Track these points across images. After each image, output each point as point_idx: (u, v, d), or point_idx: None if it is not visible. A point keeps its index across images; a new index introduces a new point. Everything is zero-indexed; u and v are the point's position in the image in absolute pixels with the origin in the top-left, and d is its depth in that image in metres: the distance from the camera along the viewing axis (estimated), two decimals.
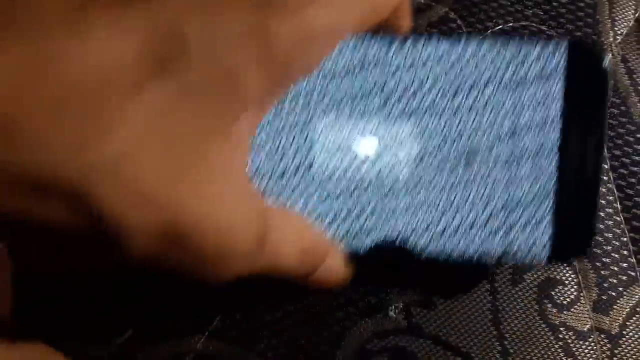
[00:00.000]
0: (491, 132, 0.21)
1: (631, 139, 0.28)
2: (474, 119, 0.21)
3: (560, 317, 0.26)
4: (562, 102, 0.21)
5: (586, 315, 0.26)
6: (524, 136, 0.21)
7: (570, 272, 0.26)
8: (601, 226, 0.27)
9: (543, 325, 0.26)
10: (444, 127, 0.22)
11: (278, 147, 0.22)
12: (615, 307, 0.26)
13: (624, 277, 0.26)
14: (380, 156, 0.22)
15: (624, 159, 0.28)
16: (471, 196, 0.22)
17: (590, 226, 0.22)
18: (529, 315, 0.26)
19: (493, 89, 0.21)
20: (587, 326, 0.26)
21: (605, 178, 0.27)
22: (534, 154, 0.21)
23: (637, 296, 0.26)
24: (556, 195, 0.21)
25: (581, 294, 0.26)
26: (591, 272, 0.26)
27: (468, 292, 0.26)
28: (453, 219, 0.22)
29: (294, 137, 0.22)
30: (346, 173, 0.22)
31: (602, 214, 0.27)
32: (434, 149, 0.22)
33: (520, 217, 0.22)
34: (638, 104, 0.28)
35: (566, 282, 0.26)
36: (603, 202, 0.27)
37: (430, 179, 0.22)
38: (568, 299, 0.26)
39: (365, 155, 0.22)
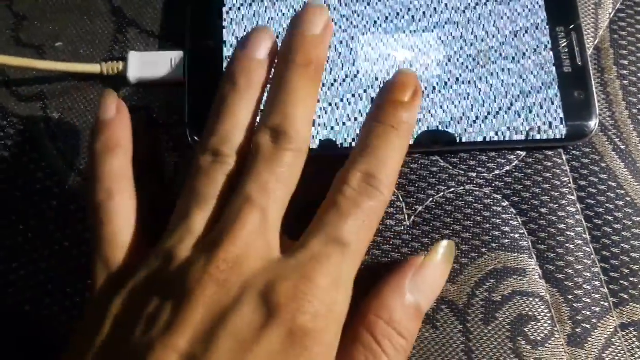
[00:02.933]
0: (498, 34, 0.28)
1: (596, 168, 0.28)
2: (483, 26, 0.28)
3: (535, 353, 0.26)
4: (544, 8, 0.29)
5: (561, 350, 0.26)
6: (523, 36, 0.28)
7: (543, 307, 0.26)
8: (571, 258, 0.27)
9: None
10: (462, 34, 0.28)
11: (328, 60, 0.27)
12: (590, 339, 0.26)
13: (597, 309, 0.26)
14: (415, 60, 0.28)
15: (590, 189, 0.28)
16: (493, 87, 0.28)
17: (592, 105, 0.27)
18: (504, 354, 0.26)
19: (493, 2, 0.29)
20: None
21: (573, 210, 0.27)
22: (533, 50, 0.28)
23: (611, 327, 0.26)
24: (559, 80, 0.27)
25: (555, 329, 0.26)
26: (564, 305, 0.26)
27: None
28: (482, 106, 0.27)
29: (340, 53, 0.28)
30: (388, 77, 0.27)
31: (571, 246, 0.27)
32: (456, 52, 0.28)
33: (535, 101, 0.27)
34: (602, 138, 0.28)
35: (539, 317, 0.26)
36: (572, 234, 0.27)
37: (458, 76, 0.28)
38: (542, 335, 0.26)
39: (403, 60, 0.28)
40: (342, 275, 0.20)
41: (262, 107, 0.23)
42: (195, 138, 0.27)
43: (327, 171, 0.23)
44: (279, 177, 0.21)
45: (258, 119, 0.23)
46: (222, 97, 0.23)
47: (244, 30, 0.29)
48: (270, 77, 0.23)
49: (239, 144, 0.22)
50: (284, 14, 0.29)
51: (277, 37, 0.29)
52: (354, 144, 0.27)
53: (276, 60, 0.23)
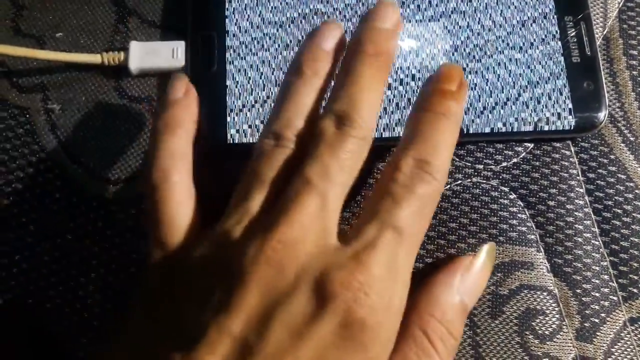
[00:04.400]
0: (505, 24, 0.28)
1: (605, 160, 0.27)
2: (491, 16, 0.28)
3: (543, 347, 0.25)
4: None
5: (569, 344, 0.26)
6: (531, 26, 0.28)
7: (551, 300, 0.26)
8: (579, 252, 0.26)
9: (526, 358, 0.25)
10: (469, 23, 0.28)
11: None
12: (598, 334, 0.26)
13: (606, 303, 0.26)
14: (421, 49, 0.28)
15: (599, 182, 0.27)
16: (501, 77, 0.27)
17: (601, 96, 0.27)
18: (511, 348, 0.25)
19: None
20: (571, 355, 0.25)
21: (581, 203, 0.27)
22: (541, 40, 0.27)
23: (620, 321, 0.26)
24: (568, 71, 0.27)
25: (563, 323, 0.26)
26: (572, 299, 0.26)
27: None
28: (490, 97, 0.27)
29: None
30: (394, 65, 0.27)
31: (579, 239, 0.26)
32: (463, 42, 0.28)
33: (544, 91, 0.27)
34: (612, 129, 0.28)
35: (547, 311, 0.26)
36: (580, 227, 0.27)
37: (465, 66, 0.27)
38: (550, 329, 0.26)
39: (409, 50, 0.28)
40: (398, 264, 0.20)
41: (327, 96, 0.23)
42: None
43: None
44: (341, 163, 0.21)
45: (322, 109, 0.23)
46: (288, 84, 0.23)
47: (246, 20, 0.28)
48: (337, 69, 0.23)
49: (302, 128, 0.22)
50: (287, 3, 0.28)
51: (281, 25, 0.28)
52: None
53: (345, 52, 0.23)
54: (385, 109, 0.27)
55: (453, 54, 0.28)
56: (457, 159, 0.27)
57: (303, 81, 0.22)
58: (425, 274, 0.24)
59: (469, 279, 0.23)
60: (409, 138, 0.22)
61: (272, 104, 0.25)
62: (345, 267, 0.19)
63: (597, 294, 0.26)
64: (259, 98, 0.27)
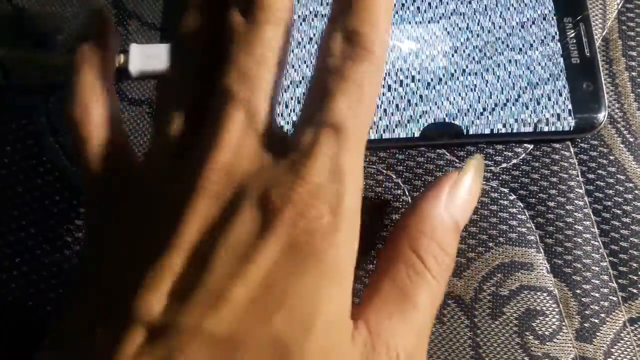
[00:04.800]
0: (505, 25, 0.28)
1: (604, 161, 0.27)
2: (490, 17, 0.28)
3: (543, 348, 0.25)
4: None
5: (569, 345, 0.26)
6: (530, 27, 0.28)
7: (550, 301, 0.26)
8: (579, 252, 0.26)
9: (526, 358, 0.25)
10: (468, 24, 0.28)
11: None
12: (598, 334, 0.26)
13: (606, 303, 0.26)
14: (421, 51, 0.28)
15: (598, 182, 0.27)
16: (500, 78, 0.27)
17: (600, 97, 0.27)
18: (511, 349, 0.25)
19: None
20: (571, 356, 0.26)
21: (581, 203, 0.27)
22: (540, 41, 0.28)
23: (620, 322, 0.26)
24: (567, 72, 0.27)
25: (563, 324, 0.26)
26: (572, 299, 0.26)
27: None
28: (490, 98, 0.27)
29: None
30: (394, 67, 0.27)
31: (579, 239, 0.27)
32: (463, 43, 0.28)
33: (543, 92, 0.27)
34: (611, 130, 0.28)
35: (547, 312, 0.26)
36: (580, 227, 0.27)
37: (465, 67, 0.27)
38: (550, 329, 0.26)
39: (408, 51, 0.28)
40: (342, 164, 0.18)
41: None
42: None
43: None
44: (259, 59, 0.18)
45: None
46: None
47: None
48: None
49: (207, 27, 0.19)
50: None
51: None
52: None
53: None
54: (385, 110, 0.27)
55: (452, 56, 0.28)
56: (457, 160, 0.27)
57: None
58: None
59: (457, 193, 0.22)
60: (336, 10, 0.19)
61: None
62: (285, 182, 0.17)
63: (596, 295, 0.26)
64: None
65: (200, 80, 0.19)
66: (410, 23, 0.28)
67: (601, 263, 0.26)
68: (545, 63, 0.27)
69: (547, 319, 0.26)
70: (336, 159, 0.18)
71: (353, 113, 0.18)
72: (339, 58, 0.18)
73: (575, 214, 0.27)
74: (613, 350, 0.26)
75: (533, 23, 0.28)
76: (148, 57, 0.28)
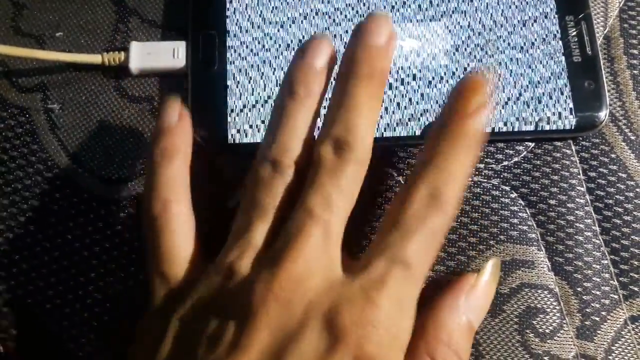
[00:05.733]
0: (506, 24, 0.28)
1: (606, 159, 0.27)
2: (492, 15, 0.28)
3: (544, 346, 0.25)
4: None
5: (570, 343, 0.26)
6: (531, 26, 0.28)
7: (551, 299, 0.26)
8: (580, 250, 0.26)
9: (527, 356, 0.25)
10: (469, 23, 0.28)
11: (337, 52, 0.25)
12: (599, 332, 0.26)
13: (607, 301, 0.26)
14: (422, 49, 0.28)
15: (600, 181, 0.27)
16: (502, 77, 0.27)
17: (602, 96, 0.27)
18: (511, 346, 0.25)
19: None
20: (572, 354, 0.26)
21: (582, 201, 0.27)
22: (542, 39, 0.27)
23: (621, 320, 0.26)
24: (568, 70, 0.27)
25: (564, 321, 0.26)
26: (573, 298, 0.26)
27: None
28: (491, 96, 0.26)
29: (347, 42, 0.25)
30: (395, 65, 0.27)
31: (580, 238, 0.26)
32: (464, 41, 0.28)
33: (544, 91, 0.27)
34: (612, 128, 0.28)
35: (548, 309, 0.26)
36: (581, 226, 0.27)
37: (466, 65, 0.27)
38: (551, 327, 0.26)
39: (410, 50, 0.28)
40: (406, 299, 0.20)
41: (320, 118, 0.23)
42: (197, 129, 0.26)
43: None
44: (342, 189, 0.21)
45: (317, 131, 0.22)
46: (281, 106, 0.22)
47: (247, 20, 0.28)
48: (330, 86, 0.23)
49: (299, 154, 0.22)
50: (288, 3, 0.28)
51: (282, 25, 0.28)
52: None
53: (337, 69, 0.22)
54: (386, 108, 0.27)
55: (454, 54, 0.28)
56: None
57: (296, 103, 0.22)
58: (429, 288, 0.23)
59: (474, 297, 0.23)
60: (423, 164, 0.21)
61: (272, 103, 0.25)
62: (355, 304, 0.19)
63: (597, 292, 0.26)
64: (260, 98, 0.27)
65: (285, 198, 0.21)
66: (411, 21, 0.28)
67: (602, 261, 0.26)
68: (547, 61, 0.27)
69: (547, 316, 0.26)
70: (403, 291, 0.20)
71: (422, 256, 0.20)
72: (421, 209, 0.20)
73: (576, 211, 0.27)
74: (614, 348, 0.26)
75: (535, 21, 0.28)
76: (148, 54, 0.28)
